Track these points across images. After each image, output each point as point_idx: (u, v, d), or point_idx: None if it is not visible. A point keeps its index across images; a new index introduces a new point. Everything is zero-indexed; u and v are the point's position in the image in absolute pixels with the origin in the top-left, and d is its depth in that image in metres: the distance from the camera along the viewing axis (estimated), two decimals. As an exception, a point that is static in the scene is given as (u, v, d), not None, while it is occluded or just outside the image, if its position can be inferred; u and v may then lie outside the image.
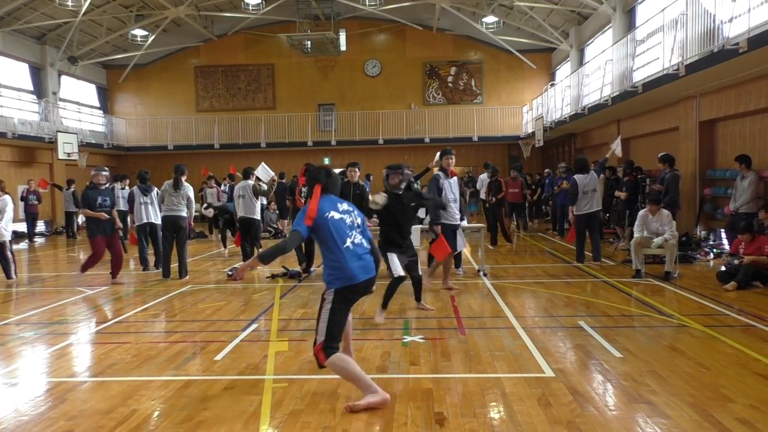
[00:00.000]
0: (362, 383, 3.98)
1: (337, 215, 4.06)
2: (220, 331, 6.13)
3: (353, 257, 4.03)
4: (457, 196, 8.24)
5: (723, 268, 8.21)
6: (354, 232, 4.12)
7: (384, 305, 6.38)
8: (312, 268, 9.83)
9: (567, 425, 3.60)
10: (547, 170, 19.26)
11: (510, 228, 16.02)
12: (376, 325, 6.17)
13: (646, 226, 8.75)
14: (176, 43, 24.98)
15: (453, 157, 8.17)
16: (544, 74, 24.39)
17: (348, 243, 4.04)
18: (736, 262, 7.88)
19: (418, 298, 6.95)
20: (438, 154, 10.51)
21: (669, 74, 10.86)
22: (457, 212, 8.18)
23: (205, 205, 14.76)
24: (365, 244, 4.18)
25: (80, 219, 18.29)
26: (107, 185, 9.45)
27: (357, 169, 9.48)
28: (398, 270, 6.27)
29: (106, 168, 9.59)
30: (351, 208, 4.22)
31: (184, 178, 9.61)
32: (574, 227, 10.25)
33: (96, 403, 4.13)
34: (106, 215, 9.07)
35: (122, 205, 15.76)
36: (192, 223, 10.35)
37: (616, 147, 10.39)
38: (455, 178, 8.32)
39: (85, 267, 9.45)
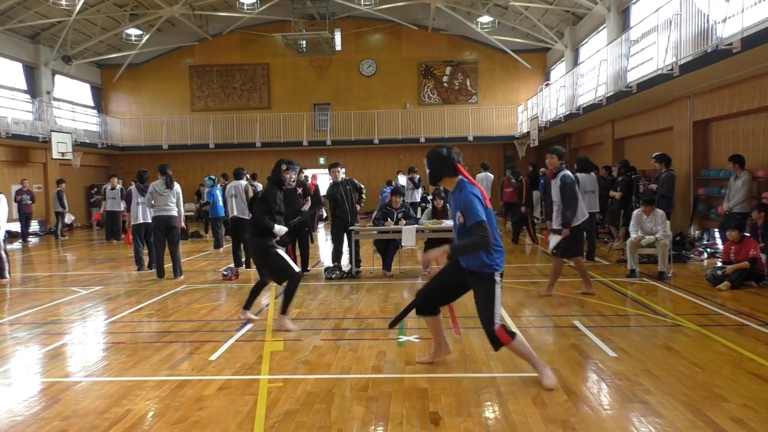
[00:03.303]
0: (535, 361, 4.23)
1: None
2: (215, 331, 6.12)
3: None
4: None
5: (706, 276, 8.23)
6: None
7: (285, 310, 5.96)
8: (309, 268, 9.83)
9: (562, 425, 3.60)
10: (542, 170, 19.27)
11: (504, 228, 16.09)
12: (287, 330, 5.88)
13: (641, 226, 8.78)
14: (171, 43, 24.90)
15: None
16: (539, 74, 24.42)
17: None
18: (719, 272, 7.89)
19: (246, 306, 6.51)
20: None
21: (663, 74, 10.90)
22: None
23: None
24: None
25: (68, 218, 18.36)
26: None
27: (339, 169, 9.50)
28: (296, 266, 6.05)
29: None
30: None
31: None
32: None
33: (90, 403, 4.11)
34: None
35: (112, 206, 15.83)
36: (185, 225, 10.26)
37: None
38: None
39: None
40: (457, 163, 4.14)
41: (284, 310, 6.00)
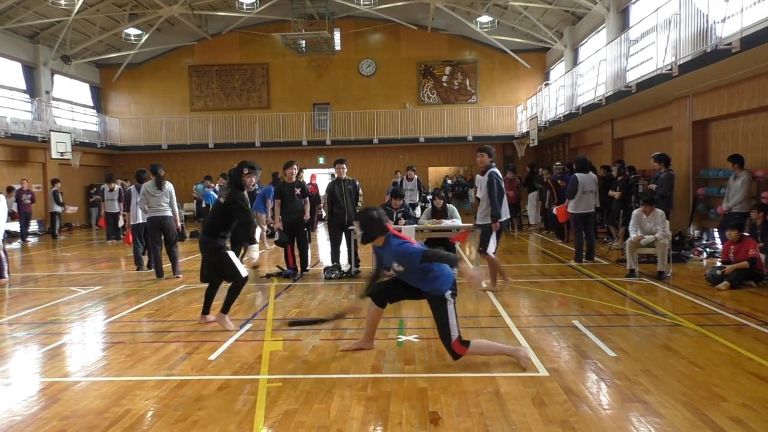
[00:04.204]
0: (505, 351, 4.73)
1: None
2: (214, 330, 6.11)
3: None
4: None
5: (705, 275, 8.24)
6: None
7: (226, 309, 6.07)
8: (308, 268, 9.83)
9: (561, 424, 3.60)
10: (542, 170, 19.26)
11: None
12: (227, 330, 5.96)
13: (641, 226, 8.78)
14: (170, 42, 24.88)
15: None
16: (538, 74, 24.42)
17: None
18: (718, 272, 7.89)
19: (204, 311, 6.51)
20: None
21: (662, 74, 10.90)
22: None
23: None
24: None
25: (71, 209, 18.42)
26: None
27: (344, 166, 9.49)
28: (244, 270, 6.13)
29: None
30: None
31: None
32: (565, 207, 10.45)
33: (89, 403, 4.11)
34: None
35: (111, 207, 15.81)
36: (181, 226, 10.22)
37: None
38: None
39: None
40: (385, 222, 4.72)
41: (226, 308, 6.03)
